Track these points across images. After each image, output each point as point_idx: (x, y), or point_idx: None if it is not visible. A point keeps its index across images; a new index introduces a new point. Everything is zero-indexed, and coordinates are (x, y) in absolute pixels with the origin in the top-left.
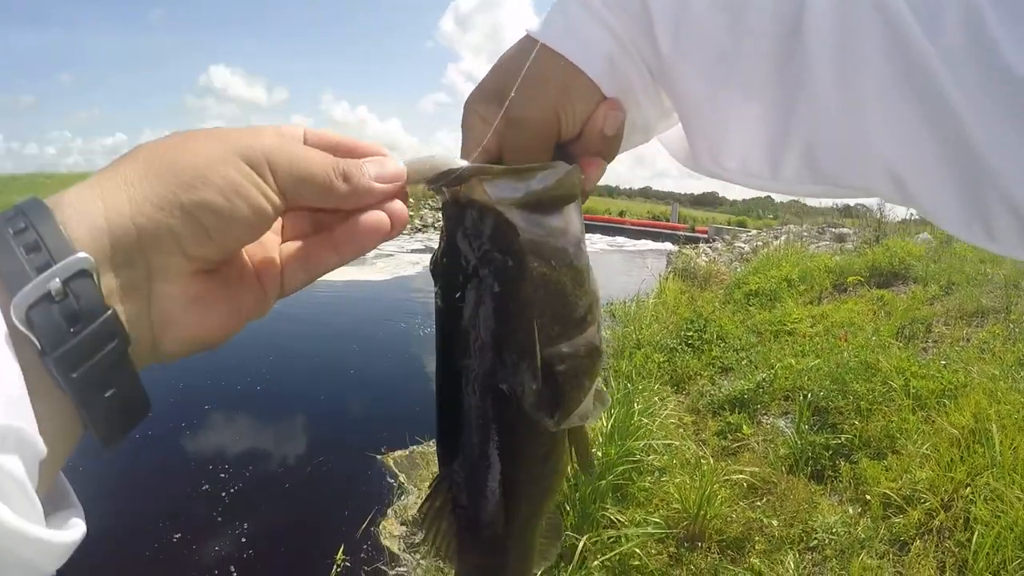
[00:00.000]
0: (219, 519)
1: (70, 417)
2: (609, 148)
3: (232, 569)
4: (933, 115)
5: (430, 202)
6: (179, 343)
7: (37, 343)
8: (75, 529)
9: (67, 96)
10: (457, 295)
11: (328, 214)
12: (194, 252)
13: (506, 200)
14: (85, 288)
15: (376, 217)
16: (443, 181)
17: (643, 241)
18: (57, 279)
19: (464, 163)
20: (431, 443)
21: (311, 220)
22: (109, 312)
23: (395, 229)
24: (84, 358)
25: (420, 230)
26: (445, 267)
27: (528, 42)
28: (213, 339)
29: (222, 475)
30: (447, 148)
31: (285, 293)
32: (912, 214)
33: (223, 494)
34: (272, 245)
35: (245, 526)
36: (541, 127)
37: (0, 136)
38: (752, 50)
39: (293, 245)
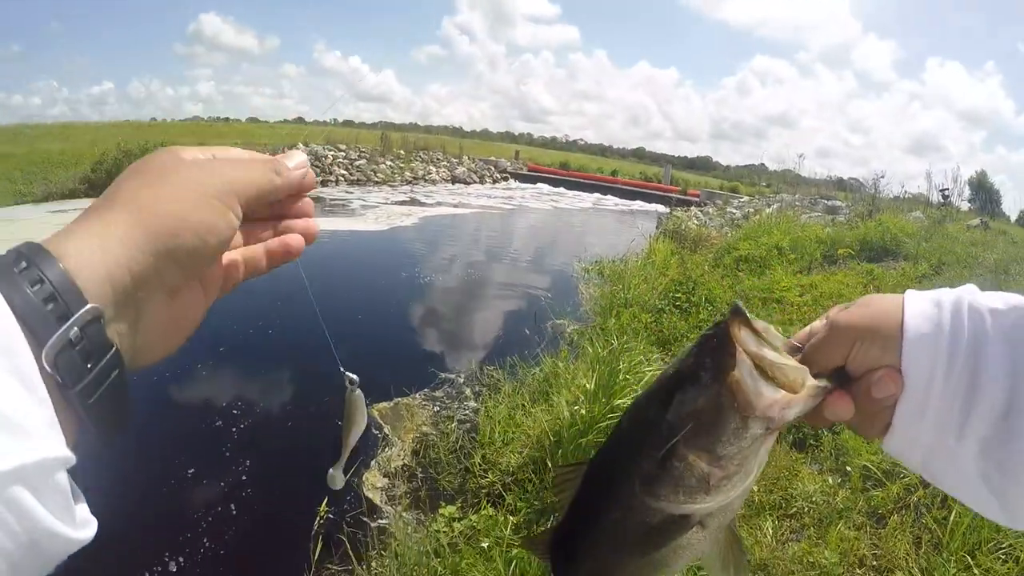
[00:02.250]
0: (197, 472)
1: (75, 427)
2: (865, 407)
3: (212, 523)
4: None
5: (421, 154)
6: (152, 357)
7: (60, 379)
8: (91, 528)
9: (56, 45)
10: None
11: (259, 228)
12: (173, 284)
13: (746, 346)
14: (96, 332)
15: (296, 241)
16: None
17: (636, 202)
18: (76, 327)
19: None
20: (416, 395)
21: (244, 234)
22: (114, 349)
23: (307, 243)
24: (97, 387)
25: (409, 182)
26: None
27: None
28: (174, 347)
29: (203, 426)
30: (438, 99)
31: (222, 295)
32: (906, 191)
33: (203, 447)
34: (220, 260)
35: (224, 480)
36: (838, 339)
37: None
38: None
39: (233, 254)
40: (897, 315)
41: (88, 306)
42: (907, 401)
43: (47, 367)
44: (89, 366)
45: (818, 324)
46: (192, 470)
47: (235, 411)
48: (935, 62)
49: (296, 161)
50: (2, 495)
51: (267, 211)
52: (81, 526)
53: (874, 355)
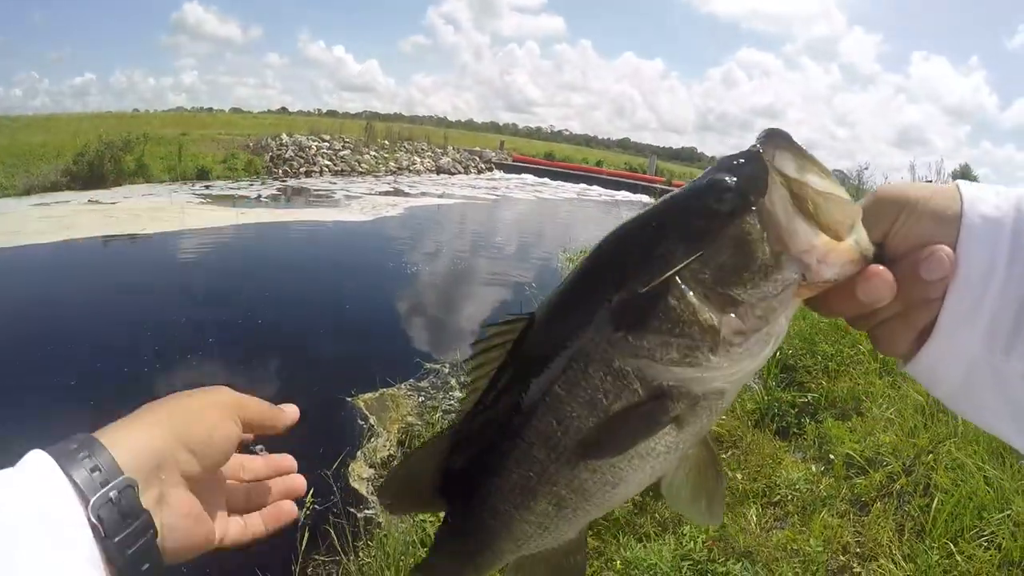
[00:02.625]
0: None
1: None
2: (908, 293)
3: None
4: None
5: (405, 144)
6: (178, 544)
7: (103, 531)
8: None
9: (38, 37)
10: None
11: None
12: (190, 473)
13: (783, 168)
14: (130, 496)
15: (290, 508)
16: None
17: (621, 192)
18: (115, 490)
19: None
20: (401, 385)
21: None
22: (146, 513)
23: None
24: (133, 541)
25: (393, 172)
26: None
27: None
28: (197, 545)
29: None
30: (422, 89)
31: (228, 545)
32: (889, 183)
33: None
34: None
35: None
36: (881, 207)
37: None
38: None
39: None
40: (954, 192)
41: (124, 476)
42: (959, 293)
43: (92, 518)
44: (127, 522)
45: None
46: None
47: None
48: (920, 56)
49: (291, 413)
50: None
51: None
52: None
53: (924, 229)
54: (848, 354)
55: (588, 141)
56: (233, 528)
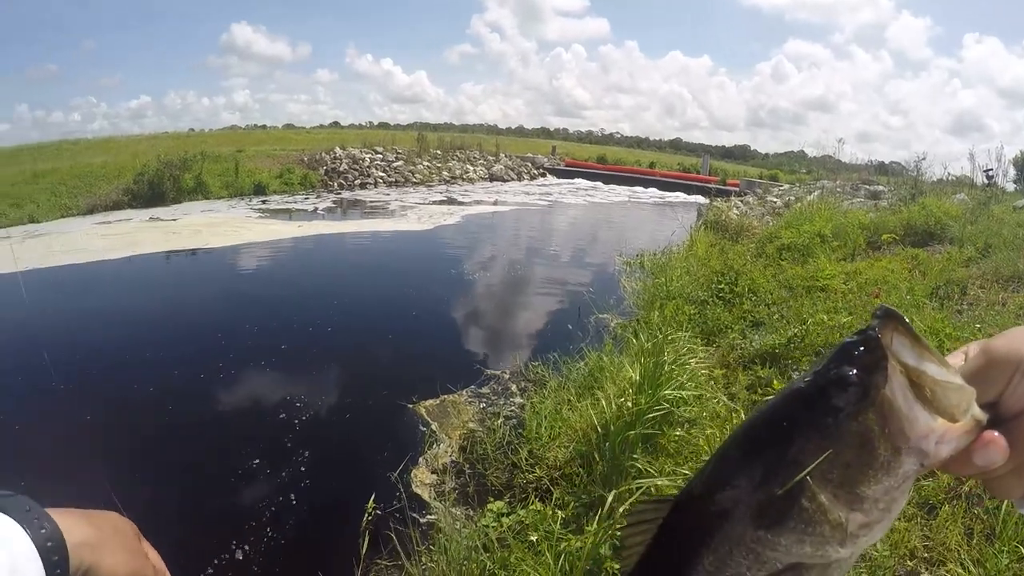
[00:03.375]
0: (254, 466)
1: None
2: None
3: (264, 518)
4: None
5: (457, 153)
6: None
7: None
8: None
9: (91, 63)
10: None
11: None
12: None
13: (901, 356)
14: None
15: None
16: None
17: (676, 194)
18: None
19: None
20: (463, 392)
21: None
22: None
23: None
24: None
25: (447, 182)
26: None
27: None
28: None
29: (259, 422)
30: (471, 97)
31: None
32: (949, 173)
33: (259, 442)
34: None
35: (279, 475)
36: (995, 367)
37: (26, 106)
38: None
39: None
40: None
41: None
42: None
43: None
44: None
45: (959, 354)
46: (256, 461)
47: (295, 407)
48: (972, 38)
49: None
50: None
51: None
52: None
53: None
54: None
55: (640, 143)
56: None
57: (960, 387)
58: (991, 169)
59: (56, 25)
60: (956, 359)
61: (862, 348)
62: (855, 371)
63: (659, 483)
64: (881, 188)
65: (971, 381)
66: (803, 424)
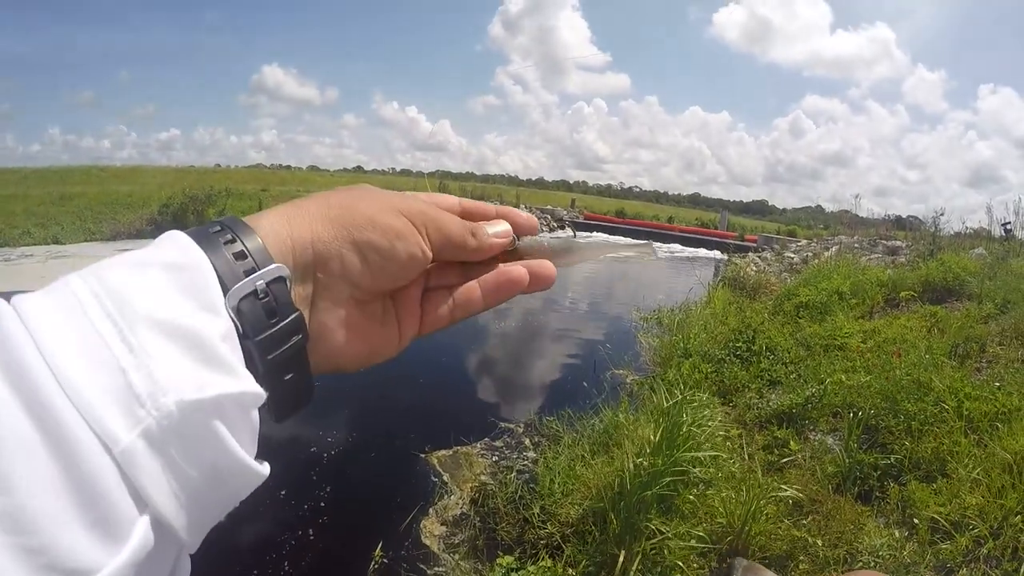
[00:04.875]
0: (257, 505)
1: None
2: None
3: (266, 559)
4: None
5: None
6: (322, 358)
7: (241, 328)
8: (267, 466)
9: (124, 93)
10: None
11: (476, 267)
12: (355, 280)
13: None
14: (282, 291)
15: (519, 271)
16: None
17: (690, 249)
18: (262, 280)
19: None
20: (476, 444)
21: (461, 271)
22: (297, 313)
23: (533, 285)
24: (277, 345)
25: None
26: None
27: None
28: (348, 364)
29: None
30: (493, 148)
31: (423, 333)
32: (967, 226)
33: (264, 481)
34: (415, 295)
35: (283, 516)
36: None
37: (58, 129)
38: None
39: (442, 291)
40: None
41: (275, 264)
42: None
43: (231, 312)
44: (272, 322)
45: None
46: (260, 500)
47: (305, 448)
48: (987, 89)
49: (497, 230)
50: (200, 423)
51: (458, 275)
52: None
53: None
54: (932, 412)
55: (659, 197)
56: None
57: None
58: (1009, 223)
59: (96, 53)
60: None
61: None
62: None
63: (672, 544)
64: (899, 244)
65: None
66: None
